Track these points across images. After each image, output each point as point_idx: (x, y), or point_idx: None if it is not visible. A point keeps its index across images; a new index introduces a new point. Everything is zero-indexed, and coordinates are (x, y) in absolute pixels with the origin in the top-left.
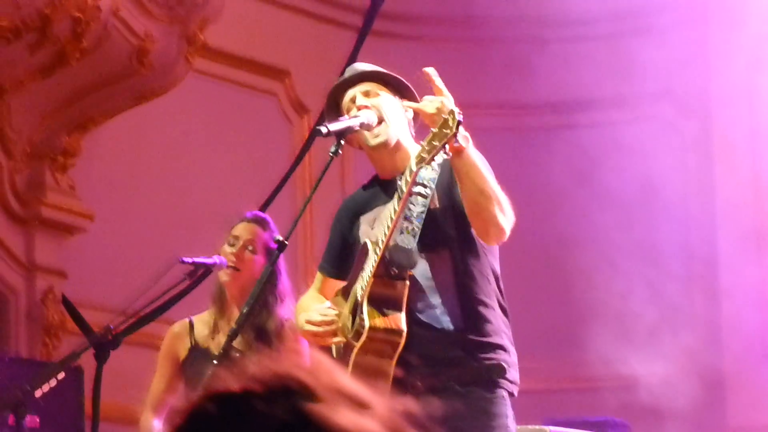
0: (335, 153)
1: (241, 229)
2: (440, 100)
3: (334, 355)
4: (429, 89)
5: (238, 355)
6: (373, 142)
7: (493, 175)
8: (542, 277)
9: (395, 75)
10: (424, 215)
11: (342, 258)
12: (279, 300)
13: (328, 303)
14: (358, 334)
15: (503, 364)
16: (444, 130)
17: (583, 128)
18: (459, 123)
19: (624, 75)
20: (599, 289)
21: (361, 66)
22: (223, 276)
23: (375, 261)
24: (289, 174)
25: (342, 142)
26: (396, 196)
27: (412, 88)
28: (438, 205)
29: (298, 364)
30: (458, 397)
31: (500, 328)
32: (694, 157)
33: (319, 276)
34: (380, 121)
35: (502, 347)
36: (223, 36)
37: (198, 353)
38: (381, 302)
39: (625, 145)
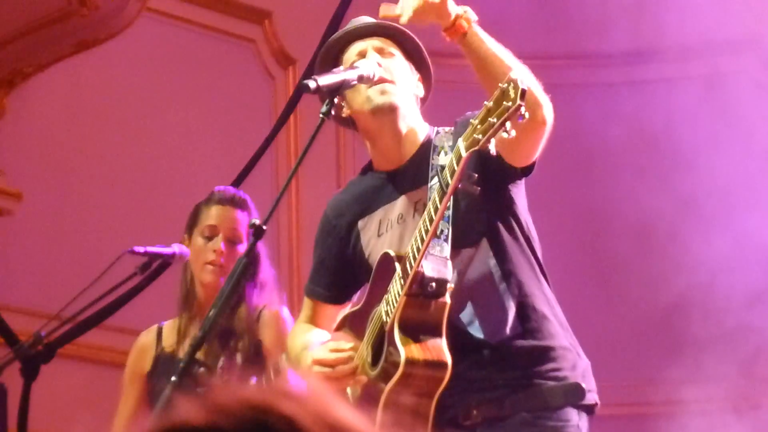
0: (327, 114)
1: (218, 216)
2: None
3: (351, 400)
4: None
5: (202, 369)
6: (379, 99)
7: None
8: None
9: (414, 38)
10: (450, 211)
11: (339, 278)
12: (258, 287)
13: (328, 336)
14: (386, 372)
15: (579, 383)
16: (505, 103)
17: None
18: (523, 93)
19: (698, 20)
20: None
21: (370, 19)
22: (207, 275)
23: (406, 276)
24: (269, 141)
25: (336, 100)
26: (437, 192)
27: (429, 62)
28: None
29: (280, 389)
30: (527, 427)
31: (561, 323)
32: None
33: (308, 302)
34: (392, 80)
35: (567, 348)
36: None
37: (164, 361)
38: (416, 328)
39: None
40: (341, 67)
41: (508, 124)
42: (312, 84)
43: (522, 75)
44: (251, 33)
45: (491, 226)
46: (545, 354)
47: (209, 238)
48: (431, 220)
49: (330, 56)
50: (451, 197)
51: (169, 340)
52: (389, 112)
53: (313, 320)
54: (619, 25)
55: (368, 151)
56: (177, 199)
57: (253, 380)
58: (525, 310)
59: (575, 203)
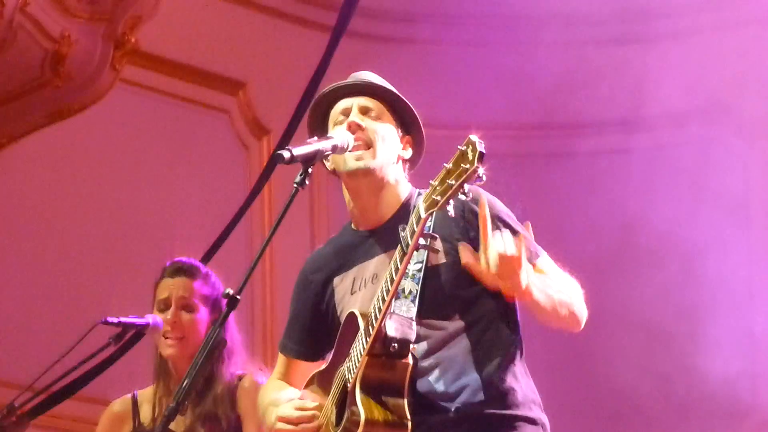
0: (301, 184)
1: (168, 288)
2: (513, 258)
3: None
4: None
5: None
6: (352, 164)
7: (562, 290)
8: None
9: (405, 100)
10: (422, 273)
11: (312, 333)
12: (225, 359)
13: (298, 393)
14: None
15: None
16: (463, 165)
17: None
18: (481, 155)
19: (668, 89)
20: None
21: (367, 75)
22: (166, 349)
23: (369, 336)
24: (243, 210)
25: (309, 170)
26: (398, 251)
27: (420, 122)
28: (444, 260)
29: None
30: None
31: (528, 397)
32: (761, 184)
33: (282, 359)
34: (368, 146)
35: (531, 420)
36: (159, 38)
37: None
38: (378, 388)
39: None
40: (315, 138)
41: (465, 186)
42: (286, 154)
43: (571, 292)
44: (225, 104)
45: (469, 306)
46: (507, 421)
47: (163, 311)
48: (392, 281)
49: (319, 111)
50: (431, 265)
51: (146, 413)
52: (364, 175)
53: (286, 377)
54: (591, 96)
55: (348, 208)
56: (152, 269)
57: None
58: (491, 383)
59: None
